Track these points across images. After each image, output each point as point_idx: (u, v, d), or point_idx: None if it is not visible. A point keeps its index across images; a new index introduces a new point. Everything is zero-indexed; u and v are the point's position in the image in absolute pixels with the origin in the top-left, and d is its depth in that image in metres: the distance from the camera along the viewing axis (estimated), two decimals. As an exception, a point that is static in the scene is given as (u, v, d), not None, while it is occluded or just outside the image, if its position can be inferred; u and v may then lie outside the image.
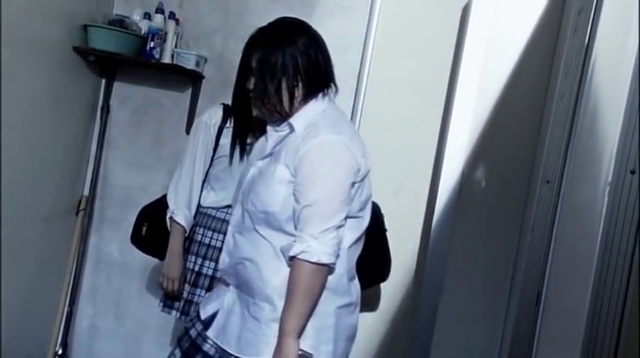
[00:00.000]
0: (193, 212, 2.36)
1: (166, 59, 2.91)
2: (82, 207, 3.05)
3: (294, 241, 1.68)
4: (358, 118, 2.35)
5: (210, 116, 2.37)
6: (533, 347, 1.98)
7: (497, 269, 2.55)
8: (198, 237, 2.36)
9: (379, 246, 2.30)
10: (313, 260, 1.64)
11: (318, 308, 1.71)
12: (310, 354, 1.71)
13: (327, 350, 1.74)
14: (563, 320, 1.73)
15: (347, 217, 1.72)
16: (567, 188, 1.94)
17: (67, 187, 2.98)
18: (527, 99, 2.52)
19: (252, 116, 2.28)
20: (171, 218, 2.34)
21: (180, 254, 2.33)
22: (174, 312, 2.37)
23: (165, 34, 2.90)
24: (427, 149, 2.74)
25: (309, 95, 1.79)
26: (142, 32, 2.87)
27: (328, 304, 1.73)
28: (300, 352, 1.68)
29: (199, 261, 2.34)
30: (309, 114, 1.78)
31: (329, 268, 1.70)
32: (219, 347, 1.80)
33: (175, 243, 2.33)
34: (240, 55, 1.90)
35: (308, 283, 1.67)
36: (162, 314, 2.47)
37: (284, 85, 1.77)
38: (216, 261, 2.27)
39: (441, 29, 2.71)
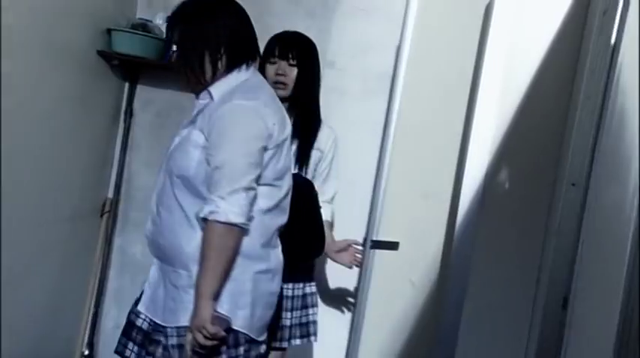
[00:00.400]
0: None
1: (188, 62, 2.92)
2: (106, 209, 3.08)
3: (204, 203, 1.70)
4: (394, 122, 2.29)
5: None
6: (561, 351, 1.96)
7: (521, 273, 2.53)
8: None
9: (312, 221, 2.26)
10: (222, 219, 1.66)
11: (234, 273, 1.73)
12: (227, 317, 1.72)
13: (244, 314, 1.76)
14: (593, 325, 1.71)
15: (262, 184, 1.76)
16: (594, 190, 1.92)
17: (91, 189, 3.01)
18: (552, 101, 2.49)
19: None
20: None
21: None
22: None
23: (188, 37, 2.91)
24: (450, 152, 2.72)
25: (232, 66, 1.84)
26: (165, 36, 2.89)
27: (244, 269, 1.75)
28: (216, 314, 1.70)
29: None
30: (229, 82, 1.83)
31: (241, 229, 1.71)
32: (151, 320, 1.86)
33: None
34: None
35: (219, 244, 1.69)
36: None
37: (207, 58, 1.82)
38: None
39: (463, 30, 2.69)
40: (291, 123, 2.29)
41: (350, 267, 2.43)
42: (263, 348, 1.87)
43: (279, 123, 1.80)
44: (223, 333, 1.69)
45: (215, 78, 1.84)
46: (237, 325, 1.75)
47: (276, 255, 1.88)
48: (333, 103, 2.75)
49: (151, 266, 1.97)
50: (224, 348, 1.74)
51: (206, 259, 1.69)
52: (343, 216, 2.59)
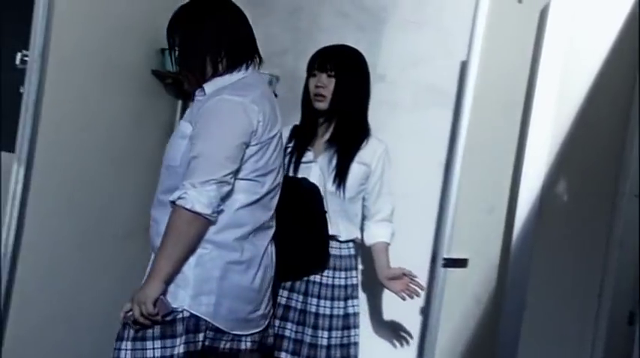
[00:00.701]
0: None
1: (239, 79, 2.95)
2: (159, 225, 3.11)
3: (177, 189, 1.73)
4: (463, 136, 2.24)
5: None
6: (627, 369, 1.87)
7: (582, 287, 2.44)
8: None
9: (308, 231, 2.21)
10: (187, 206, 1.68)
11: (203, 260, 1.76)
12: (169, 304, 1.73)
13: (208, 301, 1.76)
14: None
15: (241, 179, 1.78)
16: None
17: (145, 206, 3.05)
18: (611, 108, 2.41)
19: (312, 136, 2.31)
20: None
21: None
22: None
23: (239, 54, 2.94)
24: (506, 163, 2.65)
25: (232, 67, 1.87)
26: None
27: (214, 258, 1.77)
28: (161, 297, 1.71)
29: (285, 293, 2.30)
30: (224, 80, 1.85)
31: (206, 220, 1.72)
32: None
33: None
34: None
35: (180, 229, 1.71)
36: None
37: (208, 61, 1.85)
38: (305, 294, 2.27)
39: (517, 37, 2.63)
40: (329, 134, 2.30)
41: (403, 298, 2.32)
42: (244, 345, 1.87)
43: (265, 121, 1.81)
44: (159, 318, 1.72)
45: (214, 77, 1.87)
46: (200, 311, 1.76)
47: (252, 248, 1.86)
48: (383, 116, 2.72)
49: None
50: (181, 332, 1.74)
51: (164, 240, 1.73)
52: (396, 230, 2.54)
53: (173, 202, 1.72)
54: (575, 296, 2.45)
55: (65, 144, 2.37)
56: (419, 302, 2.77)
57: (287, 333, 2.27)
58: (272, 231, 1.94)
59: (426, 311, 2.58)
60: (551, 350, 2.45)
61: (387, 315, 2.81)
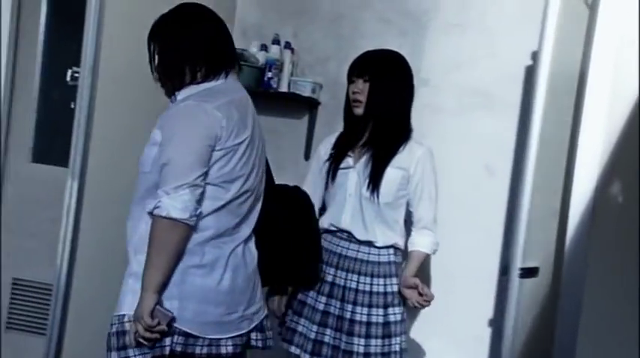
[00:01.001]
0: None
1: (283, 88, 2.99)
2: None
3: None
4: (535, 141, 2.18)
5: (324, 143, 2.43)
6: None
7: (638, 288, 2.37)
8: (322, 275, 2.32)
9: (307, 242, 2.17)
10: (163, 214, 1.70)
11: None
12: (169, 312, 1.75)
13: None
14: None
15: (206, 184, 1.78)
16: None
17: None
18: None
19: (352, 143, 2.29)
20: None
21: None
22: (293, 348, 2.31)
23: (282, 63, 2.97)
24: (559, 165, 2.60)
25: (210, 76, 1.88)
26: (260, 63, 2.96)
27: None
28: (158, 307, 1.74)
29: (323, 299, 2.29)
30: (197, 88, 1.87)
31: (185, 225, 1.73)
32: None
33: None
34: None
35: (160, 238, 1.73)
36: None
37: (187, 68, 1.87)
38: (341, 300, 2.26)
39: (568, 33, 2.56)
40: (365, 140, 2.29)
41: (412, 305, 2.25)
42: (224, 349, 1.86)
43: (230, 128, 1.80)
44: (163, 327, 1.74)
45: (189, 85, 1.89)
46: None
47: (216, 252, 1.85)
48: (427, 120, 2.71)
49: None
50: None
51: (150, 252, 1.75)
52: (442, 234, 2.51)
53: (151, 213, 1.74)
54: (631, 298, 2.38)
55: (117, 158, 2.41)
56: (487, 313, 2.79)
57: (326, 340, 2.26)
58: (242, 235, 1.92)
59: (496, 323, 2.55)
60: (608, 352, 2.39)
61: (454, 329, 2.81)
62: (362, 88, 2.26)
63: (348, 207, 2.28)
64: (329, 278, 2.29)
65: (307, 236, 2.15)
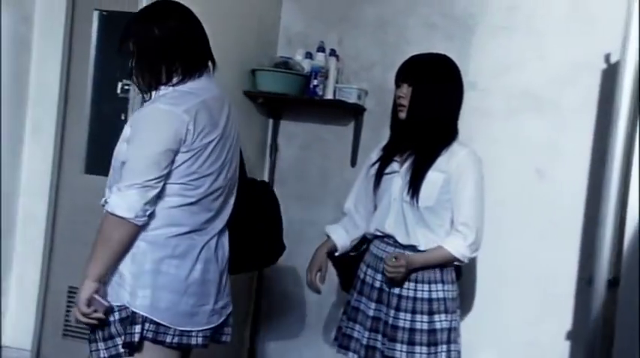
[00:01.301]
0: (353, 236, 2.42)
1: (329, 95, 2.99)
2: (256, 242, 3.18)
3: None
4: (621, 144, 2.12)
5: (375, 150, 2.43)
6: None
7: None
8: (367, 278, 2.32)
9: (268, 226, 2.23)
10: (109, 210, 1.78)
11: (136, 256, 1.83)
12: (106, 301, 1.81)
13: (144, 294, 1.82)
14: None
15: (173, 183, 1.82)
16: None
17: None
18: None
19: (398, 148, 2.28)
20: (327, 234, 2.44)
21: (318, 257, 2.43)
22: (350, 354, 2.31)
23: (327, 71, 2.98)
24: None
25: (186, 76, 1.89)
26: (305, 71, 2.98)
27: (145, 252, 1.83)
28: (94, 296, 1.79)
29: (372, 305, 2.28)
30: (169, 89, 1.87)
31: (131, 223, 1.77)
32: None
33: (319, 251, 2.44)
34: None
35: (105, 231, 1.80)
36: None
37: (163, 68, 1.87)
38: (387, 306, 2.24)
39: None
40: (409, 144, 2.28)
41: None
42: (194, 340, 1.90)
43: (199, 128, 1.83)
44: (99, 315, 1.81)
45: (164, 85, 1.89)
46: (136, 305, 1.83)
47: (188, 244, 1.89)
48: (475, 124, 2.68)
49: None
50: (116, 322, 1.84)
51: (95, 243, 1.81)
52: (492, 239, 2.46)
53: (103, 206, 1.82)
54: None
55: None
56: (540, 320, 2.74)
57: (378, 345, 2.25)
58: (215, 228, 1.96)
59: (575, 334, 2.52)
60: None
61: (504, 336, 2.77)
62: (406, 92, 2.24)
63: (392, 212, 2.27)
64: (377, 284, 2.28)
65: (266, 223, 2.21)
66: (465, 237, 2.20)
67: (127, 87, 2.46)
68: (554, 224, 2.76)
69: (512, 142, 2.82)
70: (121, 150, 1.88)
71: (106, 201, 1.81)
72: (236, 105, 2.92)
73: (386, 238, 2.29)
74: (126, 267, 1.84)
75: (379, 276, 2.28)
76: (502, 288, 2.77)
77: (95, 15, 2.84)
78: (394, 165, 2.30)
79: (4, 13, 2.92)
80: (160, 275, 1.85)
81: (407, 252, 2.22)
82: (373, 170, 2.35)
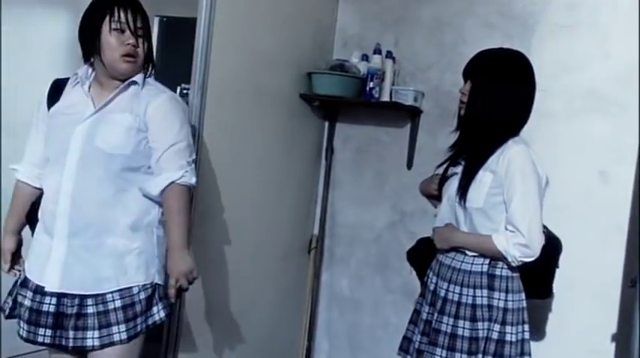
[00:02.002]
0: None
1: (385, 97, 2.97)
2: (313, 245, 3.20)
3: (165, 173, 1.96)
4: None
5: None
6: None
7: None
8: (428, 281, 2.28)
9: None
10: (192, 182, 1.96)
11: (160, 239, 1.98)
12: None
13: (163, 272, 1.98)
14: None
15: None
16: None
17: (299, 227, 3.15)
18: None
19: (461, 150, 2.24)
20: None
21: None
22: (408, 357, 2.28)
23: (384, 73, 2.96)
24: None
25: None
26: (361, 74, 2.97)
27: (161, 235, 1.98)
28: None
29: (427, 308, 2.24)
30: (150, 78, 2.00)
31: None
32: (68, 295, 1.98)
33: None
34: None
35: (188, 203, 1.96)
36: (394, 348, 2.40)
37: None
38: (433, 307, 2.20)
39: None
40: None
41: None
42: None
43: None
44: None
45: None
46: (162, 280, 1.97)
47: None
48: (536, 125, 2.59)
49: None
50: (157, 301, 1.95)
51: (178, 218, 1.91)
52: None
53: (172, 182, 1.90)
54: None
55: (225, 169, 2.50)
56: (603, 325, 2.66)
57: (423, 348, 2.21)
58: None
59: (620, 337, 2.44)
60: None
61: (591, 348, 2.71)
62: (467, 89, 2.18)
63: (446, 214, 2.23)
64: (431, 287, 2.25)
65: None
66: (514, 235, 2.06)
67: (186, 90, 2.51)
68: (619, 228, 2.67)
69: (574, 144, 2.74)
70: (129, 140, 1.90)
71: (181, 177, 1.91)
72: (293, 108, 2.96)
73: None
74: (153, 247, 1.96)
75: (434, 278, 2.24)
76: (566, 294, 2.69)
77: (156, 21, 2.91)
78: (457, 167, 2.23)
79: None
80: (163, 255, 1.99)
81: (447, 225, 2.22)
82: (440, 171, 2.31)
